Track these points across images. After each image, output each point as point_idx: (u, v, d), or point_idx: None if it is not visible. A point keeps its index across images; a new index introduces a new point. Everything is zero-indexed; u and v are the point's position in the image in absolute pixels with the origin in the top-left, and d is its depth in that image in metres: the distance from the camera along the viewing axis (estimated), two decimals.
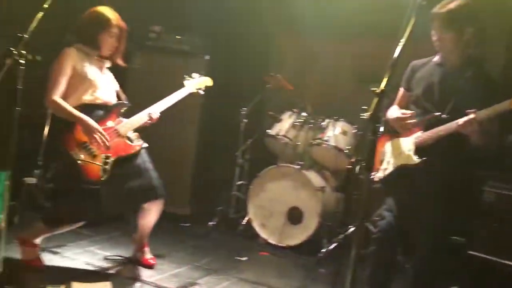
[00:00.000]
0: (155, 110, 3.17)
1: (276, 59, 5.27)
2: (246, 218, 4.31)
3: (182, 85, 3.41)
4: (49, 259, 3.15)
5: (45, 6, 2.56)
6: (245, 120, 4.55)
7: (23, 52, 2.51)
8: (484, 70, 2.56)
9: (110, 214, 2.98)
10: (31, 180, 3.97)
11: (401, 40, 1.80)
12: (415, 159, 2.52)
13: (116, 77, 3.24)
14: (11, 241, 2.96)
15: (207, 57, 4.51)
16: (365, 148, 1.60)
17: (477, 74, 2.50)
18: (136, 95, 3.42)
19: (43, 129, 3.27)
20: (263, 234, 4.19)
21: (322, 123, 4.30)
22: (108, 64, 3.14)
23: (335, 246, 3.88)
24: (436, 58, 2.67)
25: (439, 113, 2.50)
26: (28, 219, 3.63)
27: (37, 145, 3.71)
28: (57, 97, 2.85)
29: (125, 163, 2.99)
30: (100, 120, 2.95)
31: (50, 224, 3.01)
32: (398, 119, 2.63)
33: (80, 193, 2.86)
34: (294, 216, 4.12)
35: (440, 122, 2.49)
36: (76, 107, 2.90)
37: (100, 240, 3.72)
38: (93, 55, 3.04)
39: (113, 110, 3.06)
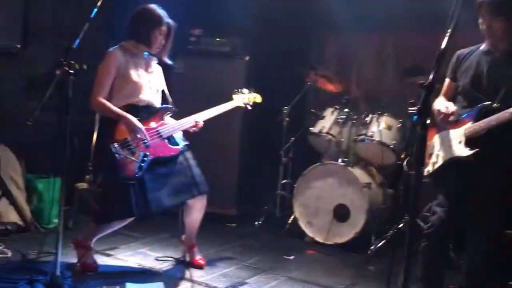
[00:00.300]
0: (201, 118, 3.22)
1: (317, 55, 5.23)
2: (292, 217, 4.30)
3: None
4: (103, 261, 3.26)
5: (92, 17, 2.64)
6: (287, 119, 4.54)
7: (72, 62, 2.60)
8: None
9: (157, 211, 3.03)
10: (83, 185, 4.11)
11: (448, 31, 1.74)
12: (467, 151, 2.44)
13: None
14: (67, 245, 3.08)
15: (247, 58, 4.53)
16: (415, 143, 1.56)
17: None
18: (180, 98, 3.46)
19: (92, 135, 3.37)
20: (309, 232, 4.17)
21: (366, 119, 4.23)
22: (155, 60, 3.19)
23: (383, 242, 3.82)
24: (483, 46, 2.59)
25: (489, 103, 2.42)
26: (82, 223, 3.79)
27: (87, 150, 3.83)
28: (101, 98, 2.94)
29: (167, 162, 3.05)
30: (143, 121, 3.01)
31: (99, 222, 3.09)
32: (439, 112, 2.56)
33: (125, 191, 2.90)
34: (341, 213, 4.08)
35: (491, 112, 2.41)
36: (121, 108, 2.97)
37: (150, 241, 3.81)
38: (140, 54, 3.10)
39: (157, 112, 3.12)
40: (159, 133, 3.06)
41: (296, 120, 4.66)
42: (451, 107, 2.56)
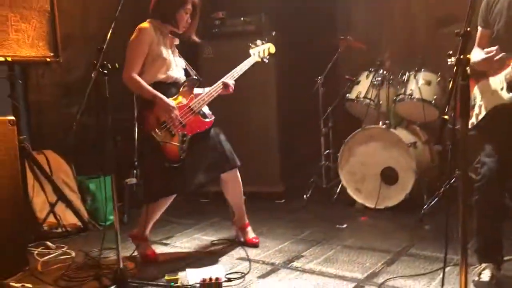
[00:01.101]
0: (228, 79, 3.21)
1: (345, 19, 5.11)
2: (340, 186, 4.29)
3: (254, 65, 3.41)
4: (161, 251, 3.36)
5: (117, 14, 2.68)
6: (323, 88, 4.49)
7: (105, 62, 2.65)
8: None
9: (195, 188, 3.09)
10: (132, 180, 4.21)
11: None
12: (511, 95, 2.35)
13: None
14: (125, 239, 3.19)
15: (274, 33, 4.49)
16: (458, 94, 1.51)
17: None
18: (211, 83, 3.49)
19: (133, 130, 3.45)
20: (359, 199, 4.15)
21: (403, 77, 4.13)
22: (177, 41, 3.21)
23: (436, 200, 3.75)
24: None
25: None
26: (135, 217, 3.90)
27: (131, 145, 3.93)
28: (134, 74, 2.97)
29: (200, 138, 3.08)
30: (173, 98, 3.05)
31: (148, 201, 3.17)
32: (485, 59, 2.44)
33: (166, 170, 2.98)
34: (389, 176, 4.03)
35: None
36: (151, 85, 3.00)
37: (203, 227, 3.89)
38: (166, 32, 3.11)
39: (185, 86, 3.12)
40: (191, 109, 3.08)
41: (331, 89, 4.59)
42: (492, 48, 2.42)
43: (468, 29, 1.56)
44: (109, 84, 2.68)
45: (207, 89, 3.19)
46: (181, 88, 3.12)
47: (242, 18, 4.59)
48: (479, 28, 2.63)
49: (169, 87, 3.08)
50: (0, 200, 2.76)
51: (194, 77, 3.21)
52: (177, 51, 3.24)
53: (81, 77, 4.39)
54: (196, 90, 3.19)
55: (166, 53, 3.07)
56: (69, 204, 3.81)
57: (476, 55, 2.55)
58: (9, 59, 3.30)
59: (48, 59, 3.58)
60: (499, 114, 2.43)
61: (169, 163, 2.97)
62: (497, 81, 2.44)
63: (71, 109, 4.38)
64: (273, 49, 3.54)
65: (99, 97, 2.69)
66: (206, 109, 3.20)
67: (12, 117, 3.02)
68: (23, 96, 3.87)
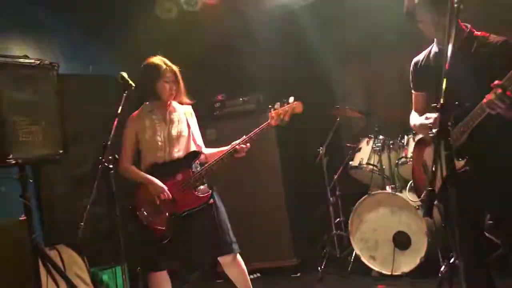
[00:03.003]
0: (238, 144, 3.15)
1: (341, 89, 5.27)
2: (353, 255, 4.24)
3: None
4: None
5: (118, 111, 2.83)
6: (326, 158, 4.55)
7: (110, 157, 2.77)
8: (486, 39, 2.29)
9: (189, 263, 3.21)
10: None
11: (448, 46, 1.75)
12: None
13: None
14: None
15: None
16: (444, 165, 1.56)
17: (482, 42, 2.26)
18: None
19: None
20: (374, 266, 4.08)
21: (402, 141, 4.21)
22: (177, 106, 3.26)
23: (454, 260, 3.68)
24: (434, 47, 2.48)
25: (457, 103, 2.09)
26: None
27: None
28: (126, 164, 3.10)
29: (197, 215, 3.08)
30: (168, 177, 3.10)
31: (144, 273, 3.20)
32: (421, 126, 2.39)
33: (153, 247, 3.06)
34: (401, 241, 3.99)
35: (465, 112, 2.21)
36: (148, 167, 3.14)
37: None
38: (157, 109, 3.20)
39: (184, 163, 3.16)
40: (186, 184, 3.10)
41: (335, 157, 4.67)
42: (430, 115, 2.36)
43: (443, 102, 1.64)
44: (117, 175, 2.80)
45: (211, 157, 3.19)
46: (180, 165, 3.15)
47: (240, 99, 4.77)
48: (412, 92, 2.61)
49: (162, 167, 3.14)
50: None
51: (195, 152, 3.23)
52: (181, 115, 3.25)
53: (90, 170, 4.52)
54: (196, 166, 3.18)
55: (152, 135, 3.14)
56: None
57: (414, 120, 2.49)
58: (20, 161, 3.42)
59: (57, 157, 3.70)
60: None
61: (156, 241, 3.03)
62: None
63: (82, 202, 4.46)
64: (299, 109, 3.18)
65: (107, 190, 2.79)
66: (203, 186, 3.16)
67: (23, 218, 3.11)
68: (35, 193, 3.97)
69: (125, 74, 3.02)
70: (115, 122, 2.84)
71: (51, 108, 3.70)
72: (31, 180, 3.75)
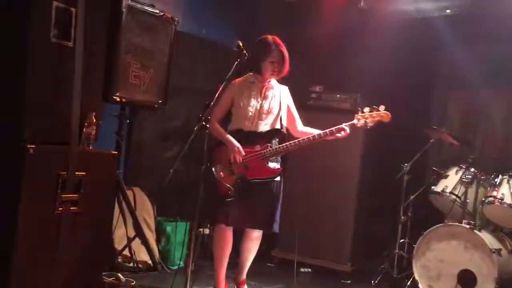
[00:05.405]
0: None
1: (439, 112, 5.09)
2: (411, 279, 4.11)
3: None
4: None
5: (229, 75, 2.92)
6: (408, 176, 4.43)
7: (209, 117, 2.87)
8: None
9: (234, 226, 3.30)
10: (206, 231, 4.36)
11: None
12: None
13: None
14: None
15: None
16: None
17: None
18: (301, 153, 3.58)
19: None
20: None
21: (495, 180, 3.99)
22: (275, 86, 3.39)
23: None
24: None
25: None
26: (203, 266, 3.95)
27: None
28: (214, 121, 3.23)
29: (259, 186, 3.24)
30: (248, 144, 3.24)
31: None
32: None
33: (216, 201, 3.21)
34: (466, 279, 3.80)
35: None
36: (232, 131, 3.30)
37: None
38: (257, 82, 3.35)
39: (265, 137, 3.29)
40: (261, 156, 3.22)
41: (416, 178, 4.52)
42: None
43: None
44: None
45: (283, 144, 3.26)
46: (260, 138, 3.29)
47: (338, 95, 4.72)
48: None
49: (246, 134, 3.28)
50: (90, 224, 2.93)
51: (278, 130, 3.34)
52: (276, 95, 3.38)
53: (180, 126, 4.71)
54: (276, 143, 3.28)
55: (246, 104, 3.30)
56: (145, 242, 3.98)
57: None
58: (124, 100, 3.63)
59: (156, 105, 3.90)
60: None
61: (221, 197, 3.18)
62: None
63: (165, 153, 4.67)
64: (387, 119, 3.27)
65: (197, 148, 2.89)
66: (276, 163, 3.27)
67: (115, 152, 3.32)
68: (126, 135, 4.19)
69: (241, 43, 3.09)
70: (222, 86, 2.93)
71: (162, 59, 3.90)
72: (128, 121, 4.01)
